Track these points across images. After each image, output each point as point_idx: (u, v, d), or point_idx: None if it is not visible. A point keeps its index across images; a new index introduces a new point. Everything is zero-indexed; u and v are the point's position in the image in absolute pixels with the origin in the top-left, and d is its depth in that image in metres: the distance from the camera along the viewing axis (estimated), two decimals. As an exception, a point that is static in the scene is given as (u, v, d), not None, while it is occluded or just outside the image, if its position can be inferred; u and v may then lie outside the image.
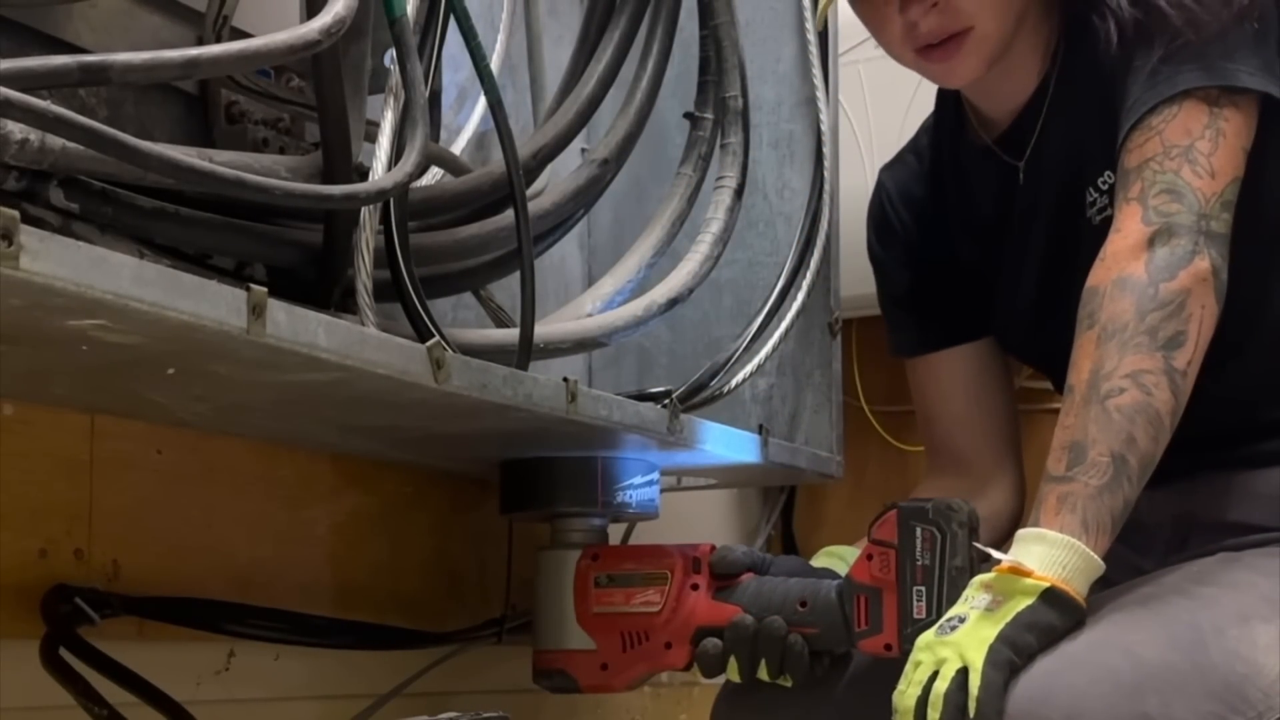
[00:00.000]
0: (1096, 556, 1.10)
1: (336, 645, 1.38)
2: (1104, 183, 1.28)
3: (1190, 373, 1.15)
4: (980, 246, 1.44)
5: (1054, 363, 1.48)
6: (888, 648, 1.19)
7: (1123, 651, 1.06)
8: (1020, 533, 1.13)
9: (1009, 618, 1.07)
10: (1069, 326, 1.20)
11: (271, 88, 1.18)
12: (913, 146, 1.52)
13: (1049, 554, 1.09)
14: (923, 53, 1.30)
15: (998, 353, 1.49)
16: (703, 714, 1.39)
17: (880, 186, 1.53)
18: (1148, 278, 1.16)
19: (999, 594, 1.09)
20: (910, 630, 1.16)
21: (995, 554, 1.13)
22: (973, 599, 1.10)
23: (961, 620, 1.09)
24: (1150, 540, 1.29)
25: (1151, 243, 1.17)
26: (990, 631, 1.06)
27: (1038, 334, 1.42)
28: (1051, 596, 1.08)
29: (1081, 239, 1.29)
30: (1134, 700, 1.03)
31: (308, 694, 1.41)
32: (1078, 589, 1.09)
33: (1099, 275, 1.19)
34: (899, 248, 1.51)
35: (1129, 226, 1.19)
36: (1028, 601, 1.08)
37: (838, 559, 1.34)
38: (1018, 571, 1.09)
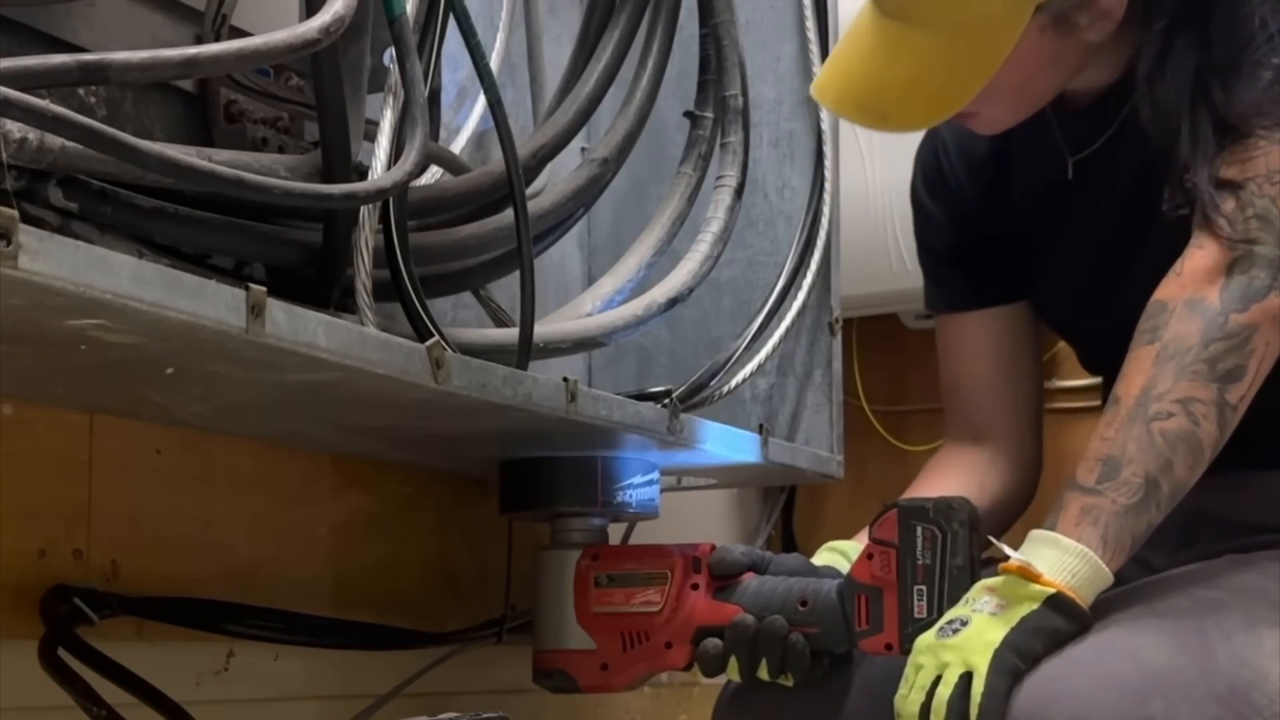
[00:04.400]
0: (1108, 570, 1.10)
1: (336, 645, 1.38)
2: (1188, 180, 1.22)
3: (1241, 408, 1.14)
4: (1039, 215, 1.40)
5: (1090, 345, 1.47)
6: (888, 647, 1.19)
7: (1128, 655, 1.06)
8: (1034, 533, 1.12)
9: (1014, 622, 1.07)
10: (1118, 313, 1.19)
11: (271, 87, 1.18)
12: None
13: (1061, 560, 1.09)
14: None
15: (1031, 322, 1.46)
16: (703, 714, 1.39)
17: (935, 134, 1.47)
18: (1220, 305, 1.14)
19: (1004, 597, 1.09)
20: (911, 630, 1.16)
21: (1006, 549, 1.12)
22: (975, 601, 1.10)
23: (964, 623, 1.08)
24: (1161, 535, 1.28)
25: (1230, 269, 1.15)
26: (996, 636, 1.06)
27: (1083, 316, 1.41)
28: (1057, 602, 1.07)
29: (1151, 230, 1.27)
30: (1139, 704, 1.03)
31: (307, 694, 1.40)
32: (1084, 597, 1.09)
33: (1171, 290, 1.16)
34: (949, 201, 1.46)
35: (1211, 246, 1.16)
36: (1033, 606, 1.07)
37: (839, 554, 1.33)
38: (1026, 573, 1.09)
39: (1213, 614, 1.11)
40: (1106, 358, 1.32)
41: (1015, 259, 1.43)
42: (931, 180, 1.47)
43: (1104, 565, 1.09)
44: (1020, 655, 1.06)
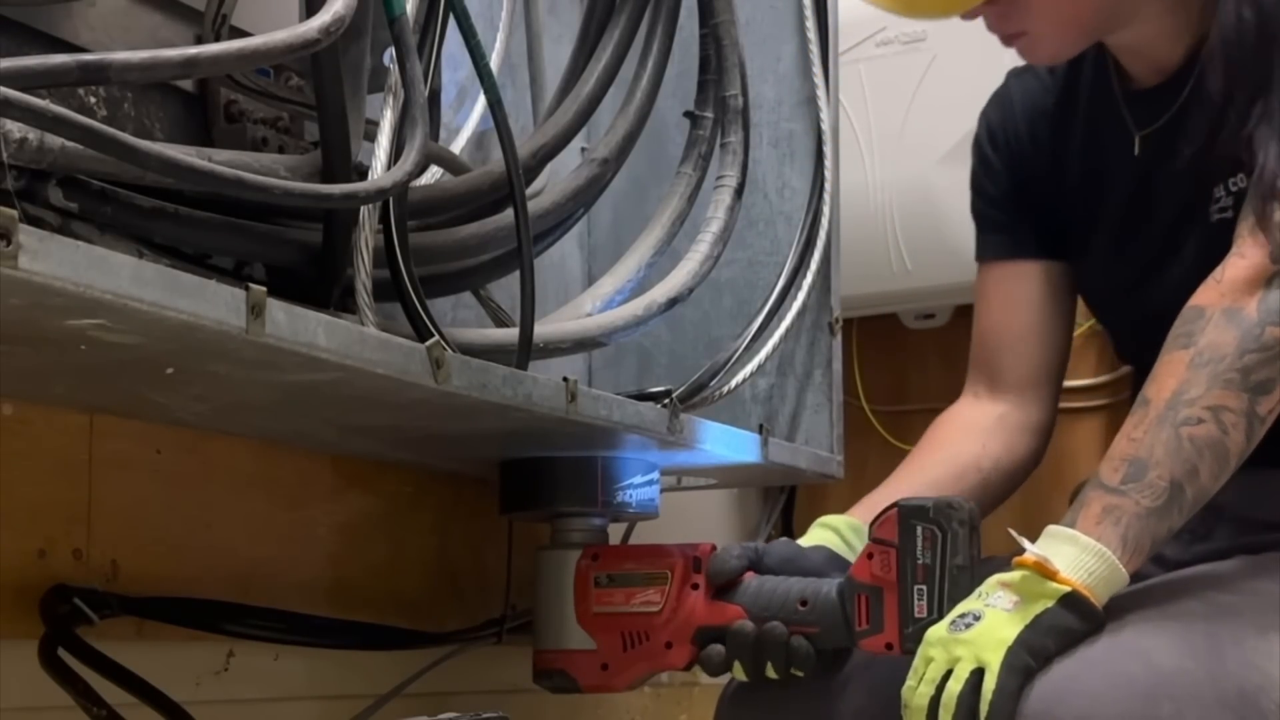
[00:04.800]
0: (1125, 571, 1.09)
1: (336, 645, 1.38)
2: (1234, 184, 1.25)
3: (1269, 420, 1.14)
4: (1093, 191, 1.42)
5: (1123, 331, 1.48)
6: (889, 647, 1.19)
7: (1138, 657, 1.06)
8: (1051, 529, 1.12)
9: (1029, 620, 1.06)
10: (1153, 302, 1.20)
11: (270, 86, 1.18)
12: None
13: (1079, 558, 1.09)
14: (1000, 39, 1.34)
15: (1071, 287, 1.48)
16: (703, 714, 1.39)
17: (1006, 90, 1.50)
18: (1257, 317, 1.14)
19: (1019, 594, 1.08)
20: (911, 629, 1.16)
21: (1024, 543, 1.11)
22: (989, 596, 1.10)
23: (976, 618, 1.08)
24: None
25: (1270, 282, 1.16)
26: (1009, 633, 1.06)
27: (1118, 300, 1.42)
28: (1072, 601, 1.07)
29: (1194, 231, 1.29)
30: (1148, 706, 1.02)
31: (307, 694, 1.40)
32: (1099, 597, 1.09)
33: (1209, 297, 1.17)
34: (1010, 155, 1.48)
35: (1253, 256, 1.17)
36: (1048, 604, 1.07)
37: (830, 530, 1.33)
38: (1042, 569, 1.08)
39: (1225, 618, 1.11)
40: (1138, 347, 1.33)
41: (1064, 225, 1.45)
42: (996, 136, 1.50)
43: (1121, 566, 1.09)
44: (1033, 654, 1.05)
